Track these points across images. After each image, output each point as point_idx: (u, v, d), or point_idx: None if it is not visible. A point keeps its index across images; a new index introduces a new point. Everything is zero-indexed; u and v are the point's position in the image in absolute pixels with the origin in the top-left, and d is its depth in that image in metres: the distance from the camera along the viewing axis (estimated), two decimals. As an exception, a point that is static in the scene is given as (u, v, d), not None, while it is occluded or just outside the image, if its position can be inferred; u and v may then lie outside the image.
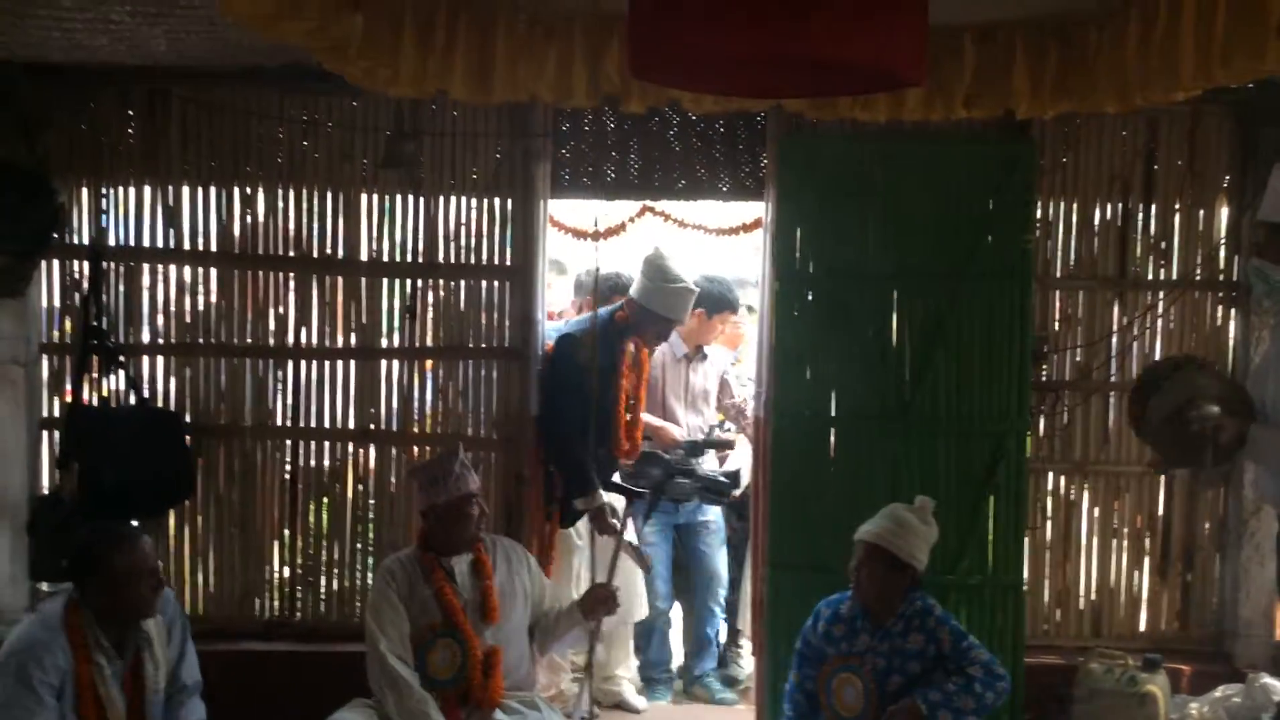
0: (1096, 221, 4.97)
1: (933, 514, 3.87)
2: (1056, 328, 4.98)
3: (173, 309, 4.93)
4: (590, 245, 5.85)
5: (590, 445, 4.72)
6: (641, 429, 5.02)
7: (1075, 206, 4.97)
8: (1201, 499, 5.00)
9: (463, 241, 4.93)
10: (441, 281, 4.95)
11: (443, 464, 4.03)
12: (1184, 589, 5.06)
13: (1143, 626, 5.07)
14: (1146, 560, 5.05)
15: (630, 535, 4.64)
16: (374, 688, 3.90)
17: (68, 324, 4.88)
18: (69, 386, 4.73)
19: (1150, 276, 5.00)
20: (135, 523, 4.55)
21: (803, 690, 3.99)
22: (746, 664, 5.40)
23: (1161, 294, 4.97)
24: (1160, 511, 5.03)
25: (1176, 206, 4.97)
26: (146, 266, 4.90)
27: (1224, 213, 4.98)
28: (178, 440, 4.77)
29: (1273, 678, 4.43)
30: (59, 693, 3.33)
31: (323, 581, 4.98)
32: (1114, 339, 4.97)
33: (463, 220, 4.92)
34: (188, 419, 4.88)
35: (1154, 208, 4.98)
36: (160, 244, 4.89)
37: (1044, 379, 4.93)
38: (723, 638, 5.59)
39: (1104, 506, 5.03)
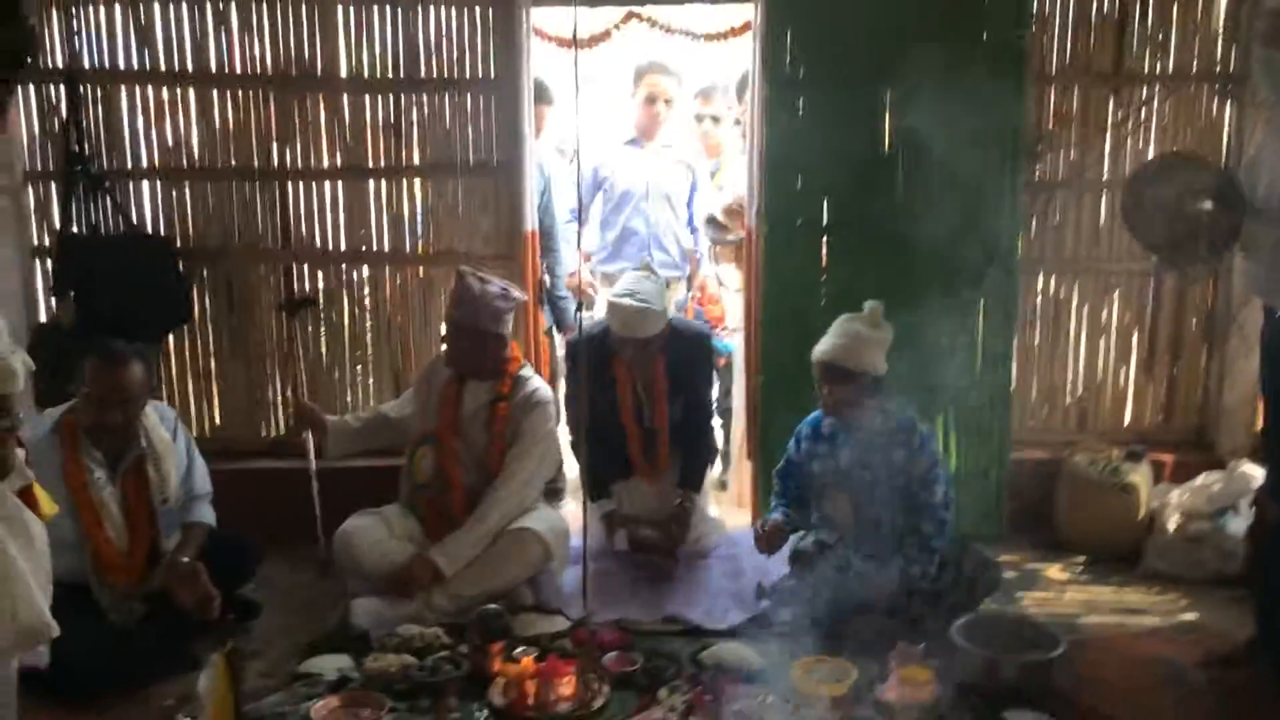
0: (1093, 14, 4.85)
1: (883, 316, 3.97)
2: (1051, 126, 4.91)
3: (154, 132, 4.84)
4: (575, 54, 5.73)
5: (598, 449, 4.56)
6: (664, 446, 4.65)
7: (1071, -1, 4.84)
8: (1189, 295, 5.04)
9: (444, 54, 4.81)
10: (425, 97, 4.85)
11: (462, 287, 4.15)
12: (1169, 382, 5.16)
13: (1128, 420, 5.19)
14: (1134, 356, 5.13)
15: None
16: None
17: (50, 151, 4.80)
18: (58, 214, 4.69)
19: (1146, 70, 4.91)
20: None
21: (792, 504, 4.17)
22: (732, 468, 5.53)
23: (1157, 88, 4.89)
24: (1148, 308, 5.08)
25: (1175, -5, 4.84)
26: (123, 89, 4.79)
27: (1222, 1, 4.84)
28: (170, 266, 4.77)
29: (1253, 464, 4.57)
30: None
31: (325, 400, 5.06)
32: (1108, 135, 4.91)
33: (443, 32, 4.79)
34: (178, 244, 4.87)
35: (1151, -1, 4.85)
36: (135, 66, 4.77)
37: (1036, 178, 4.90)
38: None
39: (1093, 305, 5.08)
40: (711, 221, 5.51)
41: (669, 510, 4.57)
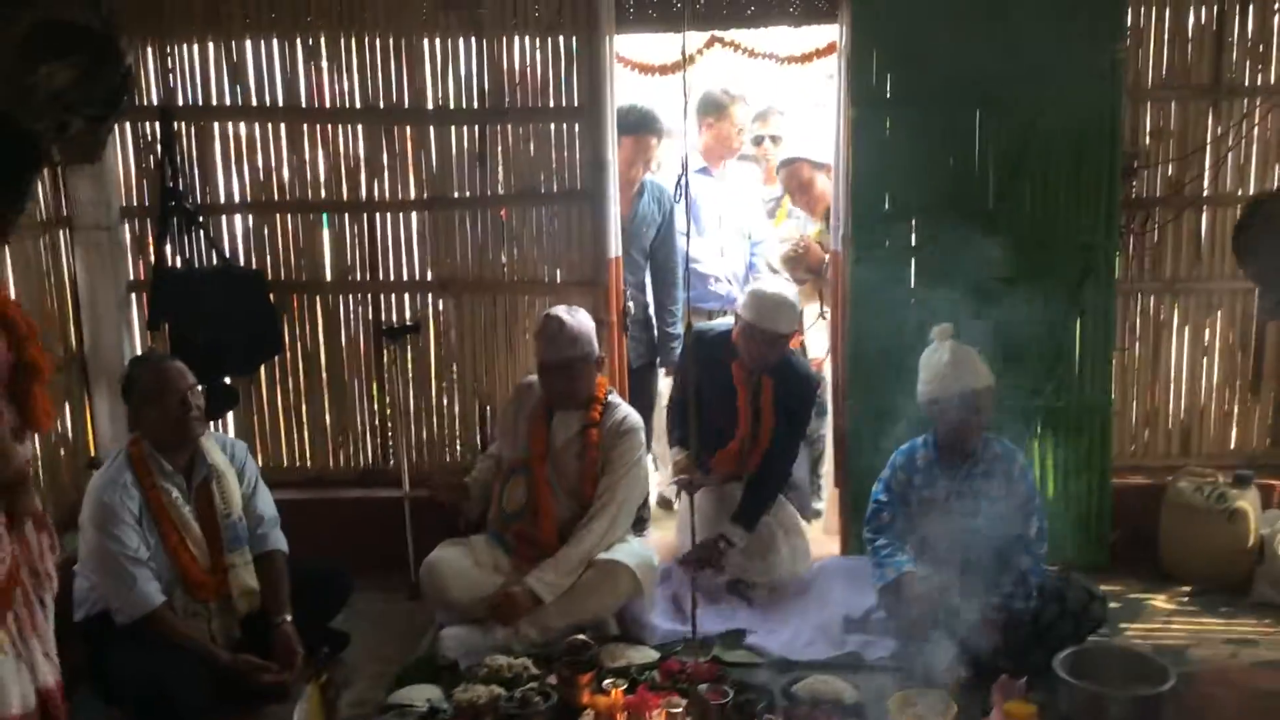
0: (1190, 26, 4.72)
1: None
2: (1147, 141, 4.78)
3: (245, 167, 4.93)
4: (657, 81, 5.73)
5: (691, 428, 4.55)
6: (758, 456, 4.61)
7: (1167, 11, 4.70)
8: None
9: (528, 84, 4.83)
10: (510, 126, 4.87)
11: (547, 324, 4.14)
12: (1276, 403, 4.97)
13: (1233, 444, 5.01)
14: (1238, 377, 4.95)
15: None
16: None
17: (145, 186, 4.91)
18: (152, 249, 4.79)
19: (1247, 83, 4.76)
20: (228, 380, 4.73)
21: (885, 533, 4.04)
22: (824, 497, 5.44)
23: (1259, 101, 4.73)
24: (1253, 328, 4.90)
25: (1277, 6, 4.68)
26: (216, 125, 4.88)
27: (1327, 10, 4.69)
28: (262, 298, 4.83)
29: (1369, 490, 4.37)
30: (139, 520, 3.66)
31: (412, 430, 5.08)
32: (1208, 151, 4.76)
33: (527, 62, 4.81)
34: (269, 276, 4.94)
35: (1251, 9, 4.69)
36: (228, 101, 4.86)
37: (1134, 196, 4.76)
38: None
39: (1195, 325, 4.92)
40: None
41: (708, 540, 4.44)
